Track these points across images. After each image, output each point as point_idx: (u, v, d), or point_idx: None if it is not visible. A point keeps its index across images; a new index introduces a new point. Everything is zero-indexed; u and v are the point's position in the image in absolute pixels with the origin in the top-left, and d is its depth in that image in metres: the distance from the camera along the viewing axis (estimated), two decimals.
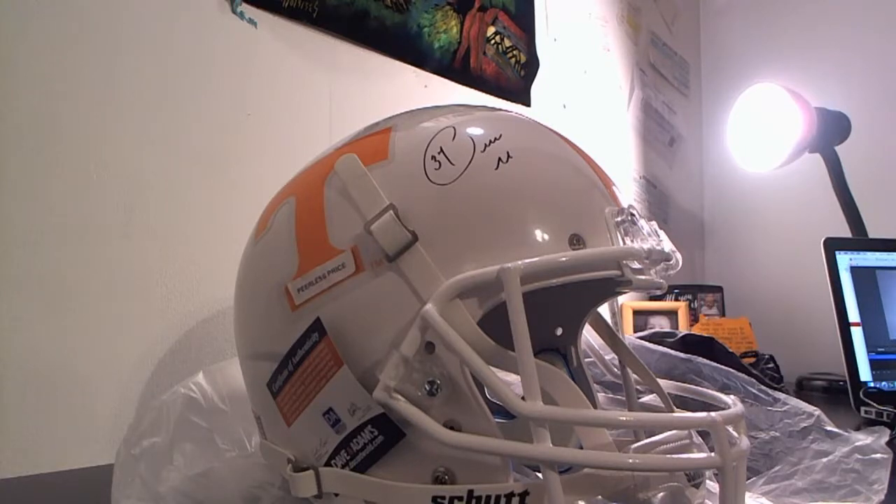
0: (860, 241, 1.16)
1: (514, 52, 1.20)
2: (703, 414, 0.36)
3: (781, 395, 0.63)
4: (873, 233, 1.21)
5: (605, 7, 1.47)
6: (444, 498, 0.38)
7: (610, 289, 0.47)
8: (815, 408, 0.61)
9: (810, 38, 1.55)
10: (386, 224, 0.39)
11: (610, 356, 0.55)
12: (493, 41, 1.15)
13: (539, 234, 0.39)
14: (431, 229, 0.39)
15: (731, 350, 0.89)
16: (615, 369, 0.53)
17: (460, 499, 0.38)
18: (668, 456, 0.39)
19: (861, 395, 0.91)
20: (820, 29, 1.54)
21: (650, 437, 0.41)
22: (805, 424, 0.59)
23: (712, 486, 0.44)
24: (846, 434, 0.57)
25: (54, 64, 0.68)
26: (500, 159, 0.41)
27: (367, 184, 0.41)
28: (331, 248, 0.41)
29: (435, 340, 0.38)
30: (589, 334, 0.56)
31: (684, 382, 0.51)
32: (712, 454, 0.36)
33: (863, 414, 0.89)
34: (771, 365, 1.06)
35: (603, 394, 0.64)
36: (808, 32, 1.56)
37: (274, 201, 0.48)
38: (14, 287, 0.64)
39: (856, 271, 1.02)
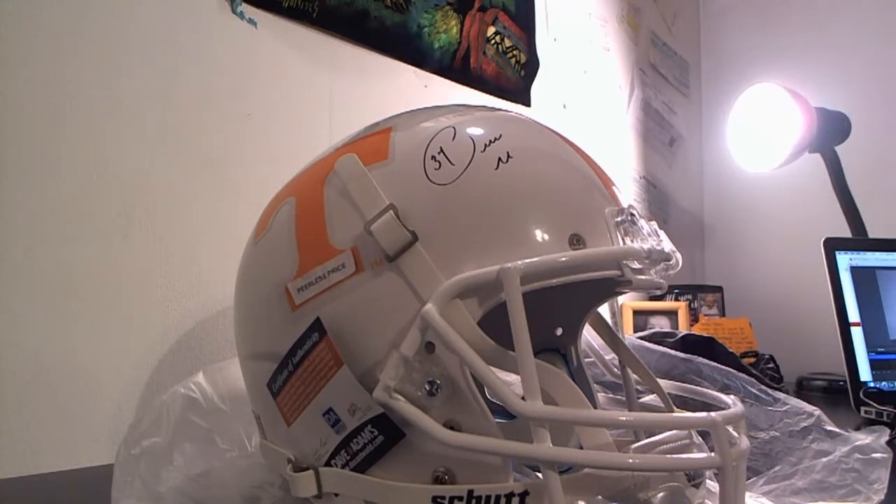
0: (860, 241, 1.16)
1: (514, 52, 1.20)
2: (703, 414, 0.36)
3: (781, 395, 0.63)
4: (873, 233, 1.21)
5: (605, 7, 1.47)
6: (444, 498, 0.38)
7: (610, 289, 0.47)
8: (814, 407, 0.61)
9: (810, 38, 1.55)
10: (386, 224, 0.39)
11: (610, 356, 0.55)
12: (493, 41, 1.15)
13: (539, 234, 0.39)
14: (431, 229, 0.39)
15: (731, 350, 0.89)
16: (615, 369, 0.53)
17: (460, 499, 0.38)
18: (668, 456, 0.39)
19: (861, 395, 0.91)
20: (820, 29, 1.54)
21: (650, 437, 0.41)
22: (805, 424, 0.59)
23: (712, 486, 0.44)
24: (846, 434, 0.57)
25: (54, 64, 0.68)
26: (500, 159, 0.41)
27: (367, 184, 0.41)
28: (331, 248, 0.41)
29: (435, 340, 0.38)
30: (589, 334, 0.56)
31: (684, 382, 0.51)
32: (712, 454, 0.35)
33: (863, 414, 0.89)
34: (771, 365, 1.06)
35: (603, 394, 0.64)
36: (808, 32, 1.56)
37: (274, 201, 0.48)
38: (15, 287, 0.64)
39: (856, 271, 1.02)
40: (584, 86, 1.39)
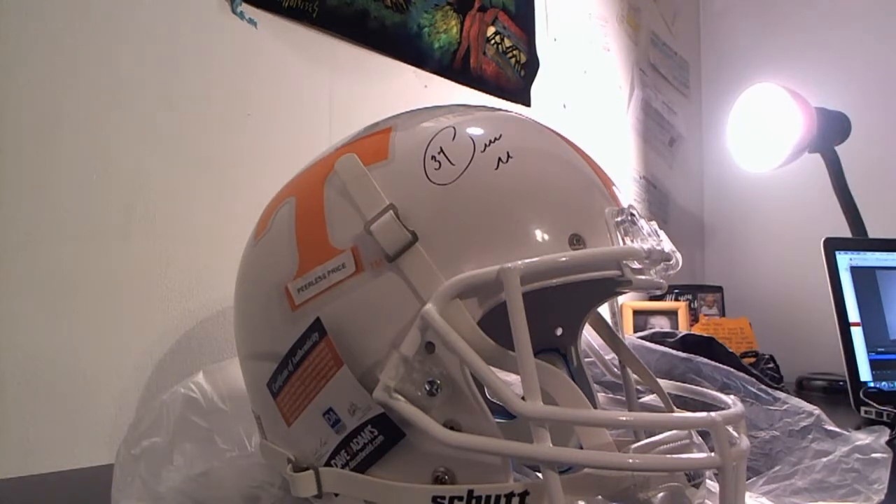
0: (860, 241, 1.16)
1: (514, 52, 1.20)
2: (703, 414, 0.36)
3: (781, 395, 0.63)
4: (873, 233, 1.21)
5: (605, 7, 1.47)
6: (444, 498, 0.38)
7: (610, 289, 0.47)
8: (814, 407, 0.61)
9: (810, 38, 1.55)
10: (386, 224, 0.39)
11: (610, 356, 0.55)
12: (493, 41, 1.15)
13: (539, 234, 0.39)
14: (431, 229, 0.39)
15: (731, 350, 0.89)
16: (615, 369, 0.53)
17: (460, 499, 0.38)
18: (668, 456, 0.39)
19: (861, 395, 0.91)
20: (820, 29, 1.54)
21: (650, 437, 0.41)
22: (805, 424, 0.59)
23: (712, 486, 0.44)
24: (846, 433, 0.57)
25: (54, 64, 0.68)
26: (500, 159, 0.41)
27: (367, 184, 0.41)
28: (331, 248, 0.41)
29: (435, 340, 0.38)
30: (589, 334, 0.56)
31: (684, 382, 0.51)
32: (712, 454, 0.36)
33: (863, 414, 0.89)
34: (771, 365, 1.06)
35: (603, 394, 0.64)
36: (808, 32, 1.56)
37: (274, 201, 0.48)
38: (14, 287, 0.64)
39: (856, 271, 1.02)
40: (584, 86, 1.39)
